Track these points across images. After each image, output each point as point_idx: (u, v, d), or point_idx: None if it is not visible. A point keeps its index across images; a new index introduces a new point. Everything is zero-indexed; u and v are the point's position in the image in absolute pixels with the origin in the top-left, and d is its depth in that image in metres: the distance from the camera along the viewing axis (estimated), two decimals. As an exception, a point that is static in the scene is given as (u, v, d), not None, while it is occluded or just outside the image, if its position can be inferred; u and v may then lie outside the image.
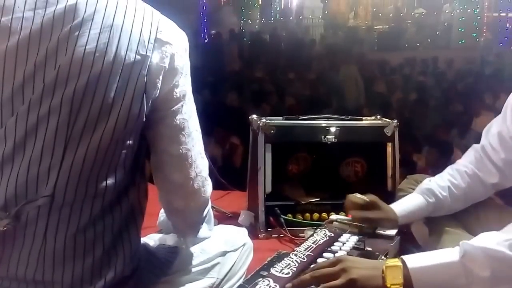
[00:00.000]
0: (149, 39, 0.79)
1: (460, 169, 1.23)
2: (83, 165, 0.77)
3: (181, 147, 0.87)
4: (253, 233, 1.49)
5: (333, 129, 1.63)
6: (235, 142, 3.80)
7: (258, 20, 12.37)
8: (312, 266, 0.92)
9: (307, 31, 11.31)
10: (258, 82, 6.00)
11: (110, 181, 0.81)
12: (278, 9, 13.08)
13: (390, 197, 1.36)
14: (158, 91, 0.81)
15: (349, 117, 1.73)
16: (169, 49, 0.81)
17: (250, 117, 1.68)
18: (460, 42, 9.57)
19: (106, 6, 0.78)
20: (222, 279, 1.09)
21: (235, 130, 3.85)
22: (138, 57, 0.78)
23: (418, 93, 5.47)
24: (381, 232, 1.19)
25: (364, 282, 0.78)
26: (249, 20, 12.10)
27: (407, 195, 1.28)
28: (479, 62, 6.94)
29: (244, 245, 1.17)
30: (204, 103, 4.77)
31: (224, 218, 1.73)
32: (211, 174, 2.01)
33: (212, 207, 1.81)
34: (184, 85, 0.85)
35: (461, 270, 0.78)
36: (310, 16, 11.62)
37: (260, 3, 12.50)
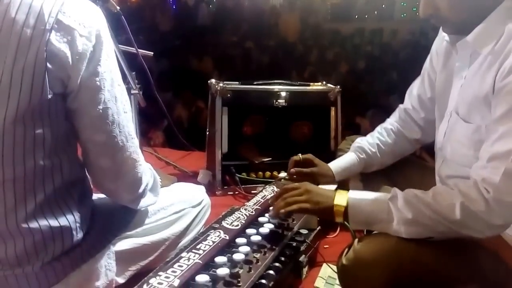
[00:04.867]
0: (49, 15, 0.71)
1: (387, 127, 1.27)
2: None
3: (105, 135, 0.81)
4: (210, 191, 1.49)
5: (283, 94, 1.63)
6: (201, 105, 3.72)
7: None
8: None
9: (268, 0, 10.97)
10: (223, 49, 5.83)
11: (29, 163, 0.74)
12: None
13: (333, 156, 1.38)
14: (68, 76, 0.73)
15: (298, 83, 1.72)
16: (71, 33, 0.72)
17: (209, 82, 1.64)
18: (402, 16, 9.67)
19: None
20: (181, 234, 1.08)
21: (201, 93, 3.76)
22: (35, 33, 0.70)
23: (365, 62, 5.53)
24: (322, 187, 1.23)
25: (319, 199, 0.92)
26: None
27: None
28: (418, 34, 7.03)
29: (201, 201, 1.16)
30: (171, 67, 4.60)
31: (184, 176, 1.72)
32: (174, 136, 1.96)
33: (175, 167, 1.82)
34: (105, 72, 0.78)
35: (385, 207, 0.86)
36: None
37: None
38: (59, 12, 0.71)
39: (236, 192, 1.59)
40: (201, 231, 1.12)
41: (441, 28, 1.05)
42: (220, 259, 0.85)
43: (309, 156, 1.27)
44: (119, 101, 0.81)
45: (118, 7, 1.32)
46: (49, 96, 0.73)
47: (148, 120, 2.42)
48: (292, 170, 1.24)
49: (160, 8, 7.61)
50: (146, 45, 1.84)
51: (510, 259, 0.87)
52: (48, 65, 0.71)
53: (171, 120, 1.92)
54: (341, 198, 0.90)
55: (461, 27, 0.91)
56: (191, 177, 1.70)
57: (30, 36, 0.69)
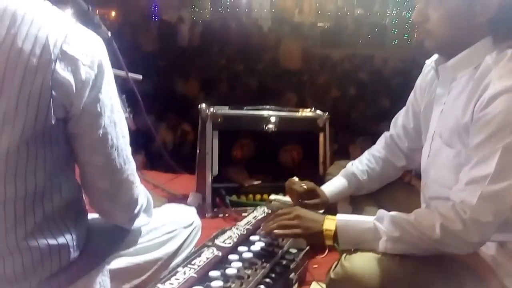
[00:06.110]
0: (54, 46, 0.78)
1: (375, 154, 1.39)
2: None
3: (104, 158, 0.87)
4: (200, 213, 1.55)
5: (273, 119, 1.76)
6: (187, 129, 3.82)
7: (207, 9, 12.24)
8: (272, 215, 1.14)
9: (255, 23, 11.35)
10: (209, 71, 5.99)
11: (30, 184, 0.81)
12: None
13: (321, 180, 1.50)
14: (71, 103, 0.81)
15: (287, 108, 1.86)
16: (74, 63, 0.79)
17: (199, 106, 1.76)
18: (393, 43, 10.10)
19: (13, 14, 0.77)
20: (173, 254, 1.14)
21: (187, 117, 3.86)
22: (41, 62, 0.77)
23: (356, 88, 5.75)
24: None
25: (309, 224, 1.03)
26: (200, 10, 11.93)
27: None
28: (409, 62, 7.36)
29: (192, 223, 1.23)
30: (156, 89, 4.69)
31: (174, 199, 1.79)
32: (162, 159, 2.03)
33: (163, 189, 1.90)
34: (105, 99, 0.84)
35: (372, 227, 0.98)
36: (256, 10, 11.65)
37: (210, -8, 12.34)
38: (64, 43, 0.79)
39: (226, 215, 1.68)
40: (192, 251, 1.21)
41: (426, 62, 1.19)
42: (214, 273, 0.95)
43: (311, 185, 1.35)
44: (118, 126, 0.89)
45: (109, 33, 1.44)
46: (53, 122, 0.80)
47: (135, 142, 2.51)
48: (296, 202, 1.32)
49: (143, 28, 7.80)
50: (128, 66, 1.93)
51: (484, 273, 1.00)
52: (53, 92, 0.79)
53: (160, 143, 2.03)
54: (330, 223, 1.01)
55: (442, 46, 1.03)
56: (180, 199, 1.77)
57: (36, 65, 0.77)
